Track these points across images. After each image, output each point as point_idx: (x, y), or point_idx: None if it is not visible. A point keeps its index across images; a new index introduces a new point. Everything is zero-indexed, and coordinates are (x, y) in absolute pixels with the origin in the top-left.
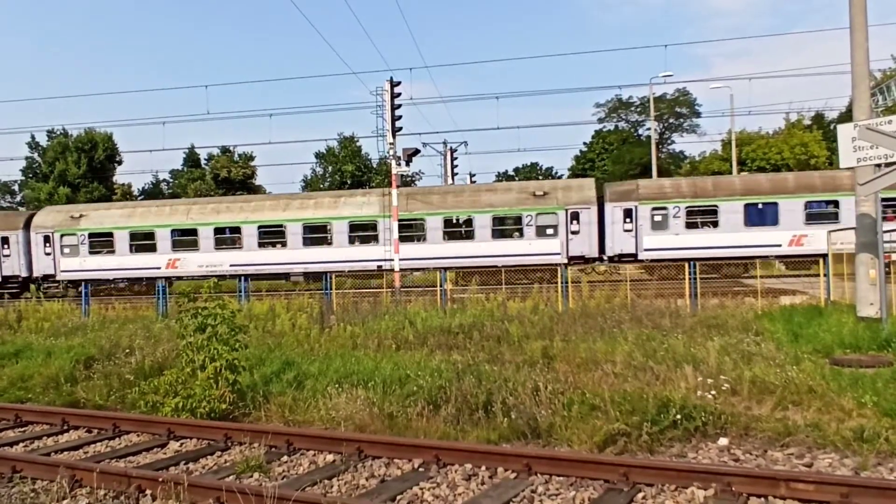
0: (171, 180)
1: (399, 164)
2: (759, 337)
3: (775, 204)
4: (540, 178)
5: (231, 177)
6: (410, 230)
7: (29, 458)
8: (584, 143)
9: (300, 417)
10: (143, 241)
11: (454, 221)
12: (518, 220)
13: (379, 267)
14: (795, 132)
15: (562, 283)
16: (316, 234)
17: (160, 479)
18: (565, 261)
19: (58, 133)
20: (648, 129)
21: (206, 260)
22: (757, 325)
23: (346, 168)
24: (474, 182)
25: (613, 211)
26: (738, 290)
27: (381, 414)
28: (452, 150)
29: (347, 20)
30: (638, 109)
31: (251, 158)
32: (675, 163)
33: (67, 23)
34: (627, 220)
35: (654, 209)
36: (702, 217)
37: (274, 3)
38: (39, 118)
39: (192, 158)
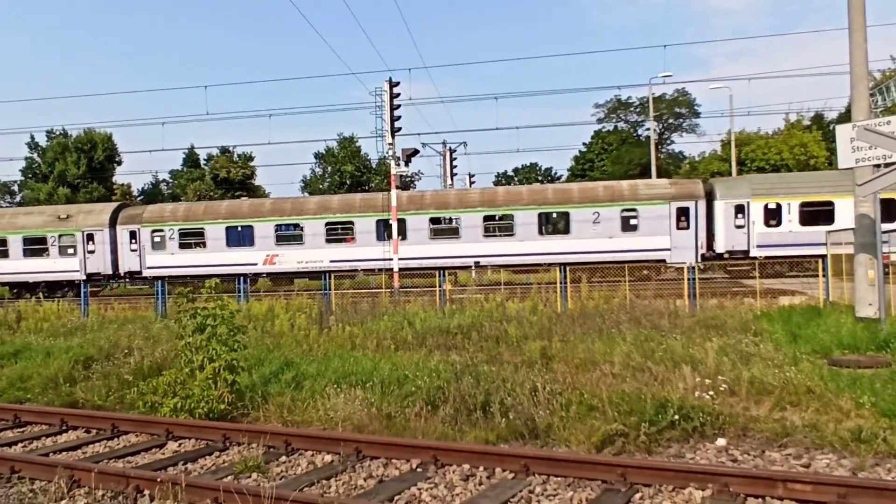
0: (171, 180)
1: (398, 165)
2: (758, 337)
3: (251, 227)
4: (539, 178)
5: (230, 177)
6: None
7: (27, 459)
8: (584, 144)
9: (298, 418)
10: None
11: None
12: (44, 240)
13: None
14: (795, 132)
15: (560, 283)
16: None
17: (158, 480)
18: (84, 277)
19: (57, 133)
20: (648, 129)
21: None
22: (755, 325)
23: (345, 168)
24: (473, 183)
25: (122, 233)
26: (737, 291)
27: (380, 414)
28: (451, 151)
29: (347, 20)
30: (637, 110)
31: (251, 159)
32: (675, 163)
33: (67, 23)
34: (133, 241)
35: (154, 231)
36: (194, 238)
37: (274, 3)
38: (39, 118)
39: (191, 159)
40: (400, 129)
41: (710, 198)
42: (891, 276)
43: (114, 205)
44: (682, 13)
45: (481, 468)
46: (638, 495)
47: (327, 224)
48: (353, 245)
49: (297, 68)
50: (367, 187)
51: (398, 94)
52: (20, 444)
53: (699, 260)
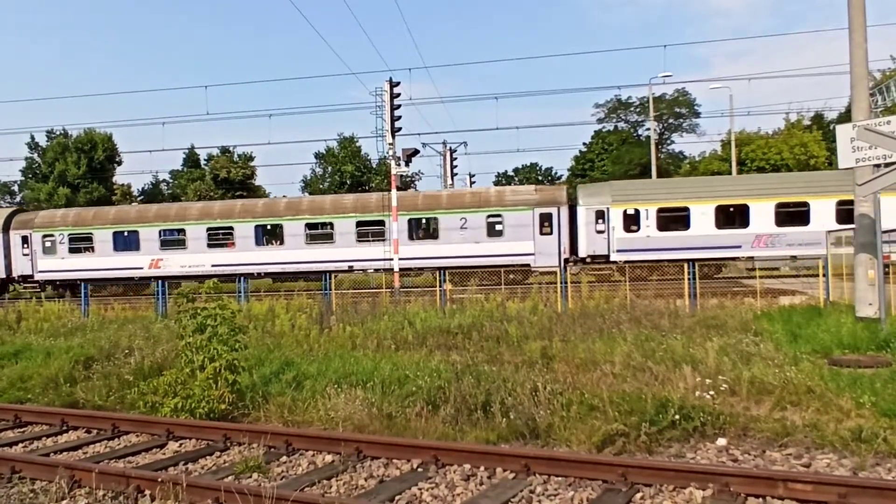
0: (171, 181)
1: (398, 165)
2: (758, 337)
3: (137, 232)
4: (540, 178)
5: (231, 177)
6: None
7: (28, 459)
8: (584, 144)
9: (299, 418)
10: None
11: None
12: None
13: None
14: (795, 132)
15: (561, 283)
16: None
17: (159, 480)
18: None
19: (57, 133)
20: (648, 129)
21: None
22: (756, 325)
23: (345, 168)
24: (473, 183)
25: (14, 237)
26: (737, 291)
27: (380, 414)
28: (452, 151)
29: (347, 20)
30: (637, 110)
31: (251, 159)
32: (675, 163)
33: (67, 23)
34: (25, 245)
35: (45, 236)
36: (83, 243)
37: (274, 3)
38: (39, 118)
39: (191, 159)
40: (400, 129)
41: (574, 204)
42: (891, 275)
43: (8, 210)
44: (682, 13)
45: (482, 468)
46: (639, 495)
47: (209, 229)
48: (234, 250)
49: (297, 68)
50: (367, 187)
51: (398, 94)
52: (21, 445)
53: (562, 264)
